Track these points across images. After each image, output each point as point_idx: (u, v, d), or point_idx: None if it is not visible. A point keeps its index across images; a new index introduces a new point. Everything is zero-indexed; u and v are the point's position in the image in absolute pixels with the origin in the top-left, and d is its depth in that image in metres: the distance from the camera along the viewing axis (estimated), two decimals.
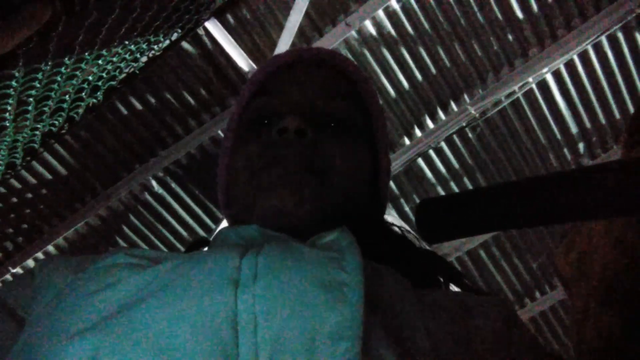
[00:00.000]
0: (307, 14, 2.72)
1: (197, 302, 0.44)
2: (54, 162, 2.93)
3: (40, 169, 2.93)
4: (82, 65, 1.98)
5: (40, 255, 3.15)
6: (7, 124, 1.99)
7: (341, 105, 0.67)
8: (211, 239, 0.67)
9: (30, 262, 3.16)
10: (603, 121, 3.14)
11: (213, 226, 3.23)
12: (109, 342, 0.42)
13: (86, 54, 1.92)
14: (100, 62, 2.08)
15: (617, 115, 3.12)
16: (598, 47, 2.92)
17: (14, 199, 2.99)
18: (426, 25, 2.87)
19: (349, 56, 2.87)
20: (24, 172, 2.90)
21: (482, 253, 3.47)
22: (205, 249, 0.68)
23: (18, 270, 3.16)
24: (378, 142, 0.71)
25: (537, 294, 3.59)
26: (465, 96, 3.07)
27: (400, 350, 0.44)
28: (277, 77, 0.71)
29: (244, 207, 0.63)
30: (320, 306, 0.43)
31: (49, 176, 2.96)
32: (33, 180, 2.95)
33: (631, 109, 3.09)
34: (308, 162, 0.60)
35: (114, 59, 2.18)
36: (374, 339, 0.44)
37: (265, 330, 0.42)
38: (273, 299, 0.44)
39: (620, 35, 2.90)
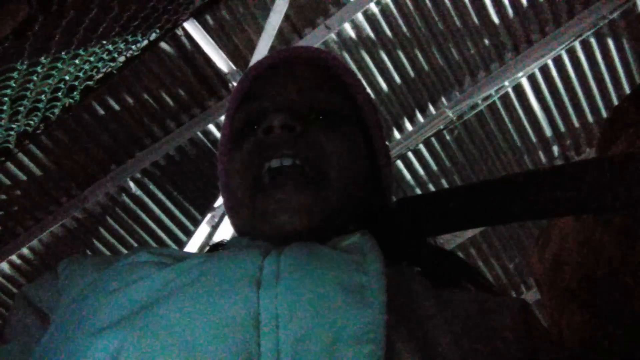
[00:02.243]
0: (286, 16, 2.72)
1: (219, 300, 0.44)
2: (29, 163, 2.87)
3: (15, 169, 2.87)
4: (59, 64, 1.95)
5: (14, 258, 3.09)
6: None
7: (327, 96, 0.67)
8: (225, 244, 0.66)
9: (5, 265, 3.10)
10: (577, 124, 3.21)
11: (192, 228, 3.21)
12: (132, 338, 0.43)
13: (63, 53, 1.89)
14: (77, 61, 2.06)
15: (591, 118, 3.19)
16: (571, 52, 2.99)
17: None
18: (405, 29, 2.90)
19: None
20: None
21: (459, 254, 3.50)
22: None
23: None
24: (370, 128, 0.71)
25: (513, 294, 3.65)
26: (443, 99, 3.11)
27: (424, 353, 0.45)
28: (260, 81, 0.71)
29: (249, 226, 0.62)
30: (342, 308, 0.44)
31: (23, 177, 2.90)
32: (7, 182, 2.89)
33: (604, 112, 3.16)
34: (299, 155, 0.59)
35: (91, 59, 2.16)
36: (397, 342, 0.44)
37: (287, 331, 0.42)
38: (295, 300, 0.44)
39: (593, 41, 2.96)
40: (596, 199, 0.50)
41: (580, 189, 0.51)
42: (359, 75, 3.00)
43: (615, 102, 3.13)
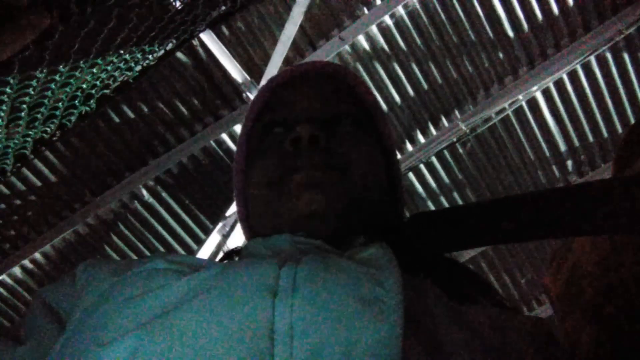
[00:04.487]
0: (301, 28, 2.74)
1: (235, 310, 0.44)
2: (44, 169, 2.91)
3: (30, 175, 2.91)
4: (77, 73, 1.98)
5: (27, 262, 3.12)
6: None
7: (347, 105, 0.69)
8: (241, 250, 0.67)
9: (17, 270, 3.13)
10: (591, 139, 3.19)
11: (203, 236, 3.22)
12: (146, 346, 0.43)
13: (81, 62, 1.92)
14: (94, 70, 2.08)
15: (605, 134, 3.16)
16: (587, 67, 2.98)
17: (2, 205, 2.96)
18: (419, 42, 2.91)
19: None
20: (13, 178, 2.88)
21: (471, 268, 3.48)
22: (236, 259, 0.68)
23: (4, 277, 3.12)
24: (386, 141, 0.73)
25: (525, 310, 3.61)
26: (456, 112, 3.11)
27: None
28: (281, 93, 0.72)
29: (269, 216, 0.63)
30: (358, 321, 0.43)
31: (38, 183, 2.94)
32: (22, 187, 2.93)
33: (619, 127, 3.14)
34: (326, 165, 0.61)
35: (109, 68, 2.19)
36: (412, 357, 0.43)
37: (301, 342, 0.42)
38: (311, 311, 0.44)
39: (608, 56, 2.95)
40: (611, 219, 0.50)
41: (596, 209, 0.50)
42: (372, 87, 3.02)
43: (631, 117, 3.10)
